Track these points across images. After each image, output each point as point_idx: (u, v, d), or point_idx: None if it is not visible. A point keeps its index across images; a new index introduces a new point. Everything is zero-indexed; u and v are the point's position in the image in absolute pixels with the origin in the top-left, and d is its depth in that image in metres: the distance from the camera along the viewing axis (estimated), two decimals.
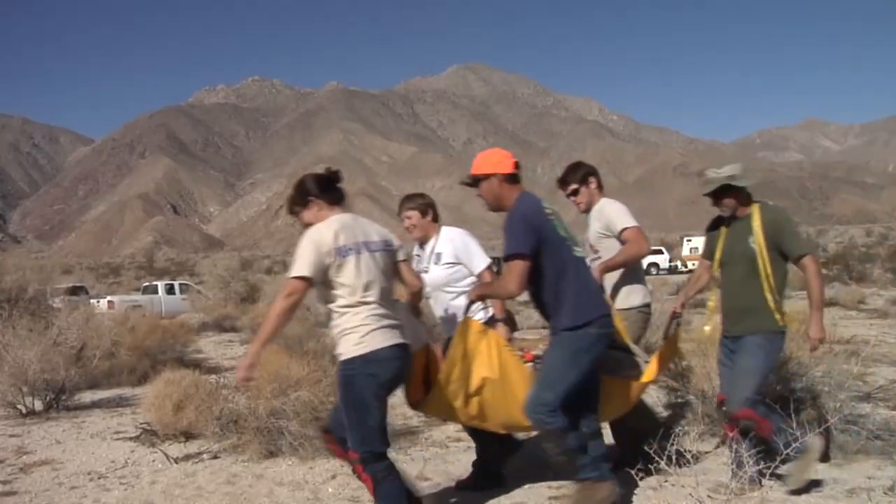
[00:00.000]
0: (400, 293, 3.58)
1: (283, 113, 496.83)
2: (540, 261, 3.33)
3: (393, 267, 3.34)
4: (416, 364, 3.57)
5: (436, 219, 4.15)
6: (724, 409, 3.95)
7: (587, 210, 4.37)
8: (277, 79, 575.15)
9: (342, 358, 3.10)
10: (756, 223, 3.81)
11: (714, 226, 4.12)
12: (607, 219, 4.23)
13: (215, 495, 4.25)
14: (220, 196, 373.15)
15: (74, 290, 21.51)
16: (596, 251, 4.31)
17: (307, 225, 3.26)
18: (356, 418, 3.08)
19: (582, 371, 3.35)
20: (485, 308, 3.86)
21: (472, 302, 3.51)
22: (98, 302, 20.85)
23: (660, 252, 43.28)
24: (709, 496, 3.60)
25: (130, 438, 5.77)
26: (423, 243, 4.15)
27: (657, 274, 37.91)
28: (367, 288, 3.11)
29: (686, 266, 40.31)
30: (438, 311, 4.07)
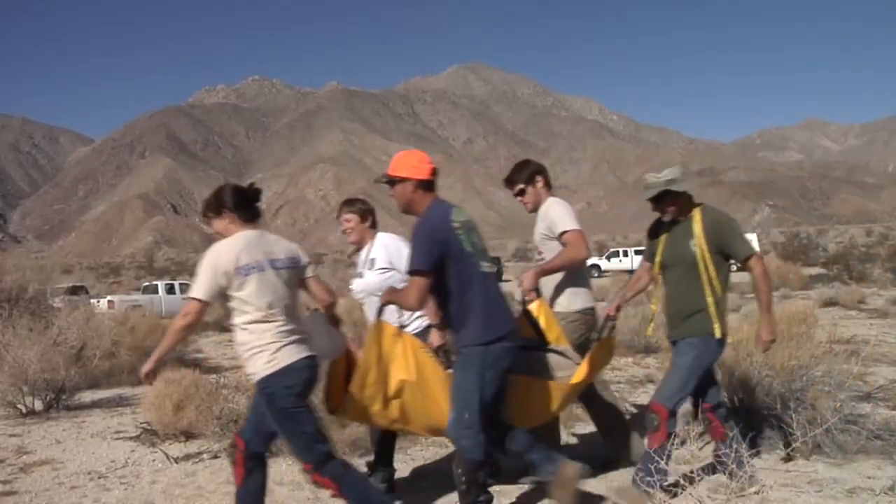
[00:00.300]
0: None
1: (283, 113, 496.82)
2: (444, 275, 3.29)
3: (300, 283, 3.36)
4: (337, 371, 3.61)
5: (374, 225, 4.18)
6: (652, 415, 3.78)
7: (534, 210, 4.26)
8: (277, 79, 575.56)
9: (257, 378, 3.13)
10: (697, 226, 3.74)
11: (655, 228, 4.02)
12: (550, 220, 4.13)
13: (215, 495, 4.25)
14: None
15: (74, 290, 21.55)
16: (540, 252, 4.24)
17: (217, 233, 3.32)
18: (291, 430, 3.13)
19: (491, 386, 3.31)
20: (396, 314, 3.87)
21: (384, 304, 3.51)
22: (98, 302, 20.86)
23: None
24: (709, 496, 3.61)
25: (130, 438, 5.77)
26: (359, 248, 4.20)
27: None
28: (271, 305, 3.14)
29: None
30: (372, 316, 4.03)
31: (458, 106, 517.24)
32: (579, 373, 3.77)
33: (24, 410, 6.86)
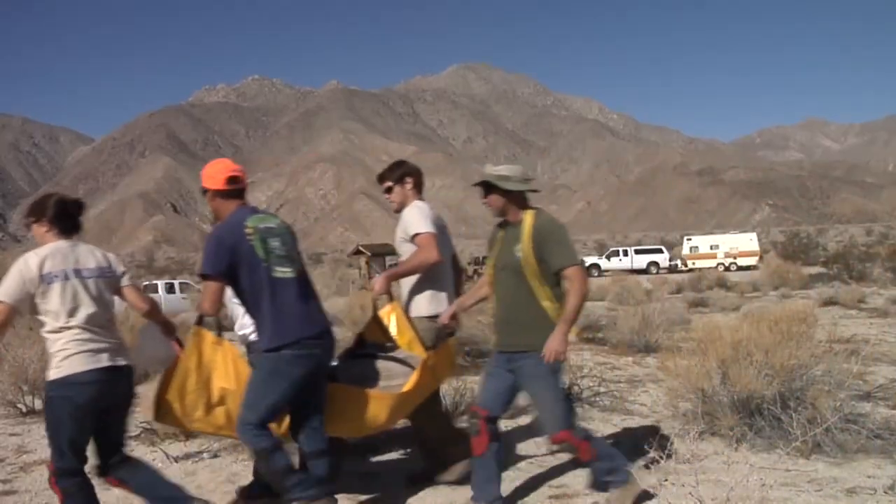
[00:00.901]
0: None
1: (283, 112, 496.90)
2: (237, 282, 3.36)
3: (112, 292, 3.40)
4: (167, 379, 3.64)
5: None
6: (474, 419, 3.66)
7: (399, 210, 4.20)
8: (278, 78, 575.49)
9: (47, 380, 3.23)
10: (525, 231, 3.51)
11: (496, 231, 3.82)
12: (405, 223, 4.09)
13: (215, 494, 4.25)
14: None
15: None
16: (400, 256, 4.22)
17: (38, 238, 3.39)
18: (52, 434, 3.21)
19: (282, 392, 3.34)
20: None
21: (202, 315, 3.55)
22: None
23: (660, 251, 43.31)
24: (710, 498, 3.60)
25: (130, 437, 5.75)
26: None
27: (657, 273, 37.88)
28: (71, 313, 3.18)
29: (686, 265, 40.31)
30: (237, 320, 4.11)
31: (458, 105, 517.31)
32: (408, 383, 3.71)
33: (24, 409, 6.85)
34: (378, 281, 4.01)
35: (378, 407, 3.67)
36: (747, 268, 37.25)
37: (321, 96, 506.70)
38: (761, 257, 38.22)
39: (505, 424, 5.55)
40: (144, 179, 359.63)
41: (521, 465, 4.54)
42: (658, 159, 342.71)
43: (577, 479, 4.19)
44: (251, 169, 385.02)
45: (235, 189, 3.52)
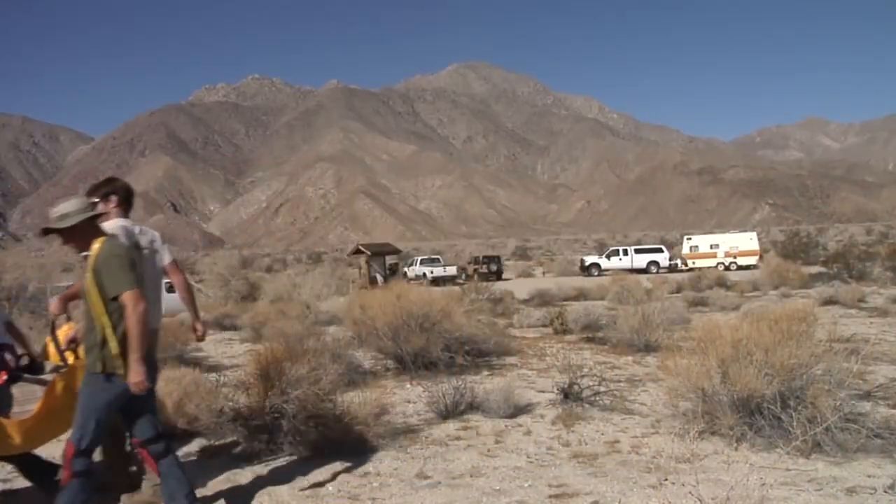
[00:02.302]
0: None
1: (283, 111, 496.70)
2: None
3: None
4: None
5: None
6: (134, 450, 3.87)
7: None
8: (278, 77, 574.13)
9: None
10: (91, 260, 3.55)
11: None
12: None
13: (216, 493, 4.26)
14: (221, 194, 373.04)
15: None
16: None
17: None
18: None
19: None
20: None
21: None
22: None
23: (660, 251, 43.31)
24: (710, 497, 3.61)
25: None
26: None
27: (657, 272, 37.87)
28: None
29: (686, 265, 40.29)
30: None
31: (458, 104, 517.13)
32: (36, 407, 3.81)
33: None
34: (54, 302, 4.06)
35: (8, 431, 3.78)
36: (747, 267, 37.23)
37: (321, 95, 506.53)
38: (761, 257, 38.19)
39: (504, 424, 5.56)
40: (144, 179, 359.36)
41: (521, 464, 4.55)
42: (658, 158, 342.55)
43: (578, 478, 4.20)
44: (251, 168, 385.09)
45: None
